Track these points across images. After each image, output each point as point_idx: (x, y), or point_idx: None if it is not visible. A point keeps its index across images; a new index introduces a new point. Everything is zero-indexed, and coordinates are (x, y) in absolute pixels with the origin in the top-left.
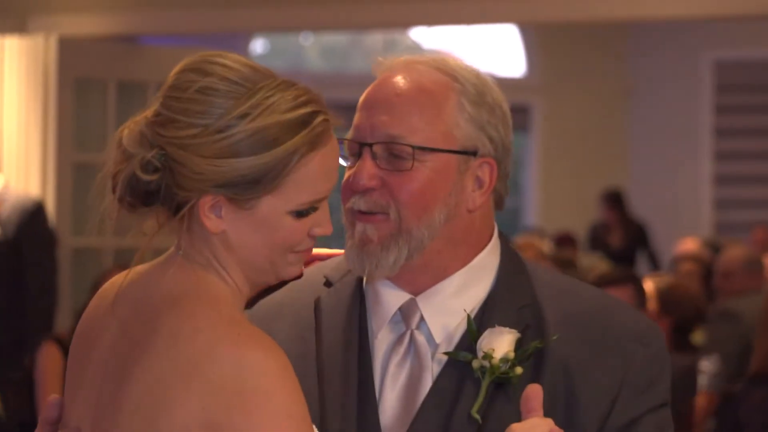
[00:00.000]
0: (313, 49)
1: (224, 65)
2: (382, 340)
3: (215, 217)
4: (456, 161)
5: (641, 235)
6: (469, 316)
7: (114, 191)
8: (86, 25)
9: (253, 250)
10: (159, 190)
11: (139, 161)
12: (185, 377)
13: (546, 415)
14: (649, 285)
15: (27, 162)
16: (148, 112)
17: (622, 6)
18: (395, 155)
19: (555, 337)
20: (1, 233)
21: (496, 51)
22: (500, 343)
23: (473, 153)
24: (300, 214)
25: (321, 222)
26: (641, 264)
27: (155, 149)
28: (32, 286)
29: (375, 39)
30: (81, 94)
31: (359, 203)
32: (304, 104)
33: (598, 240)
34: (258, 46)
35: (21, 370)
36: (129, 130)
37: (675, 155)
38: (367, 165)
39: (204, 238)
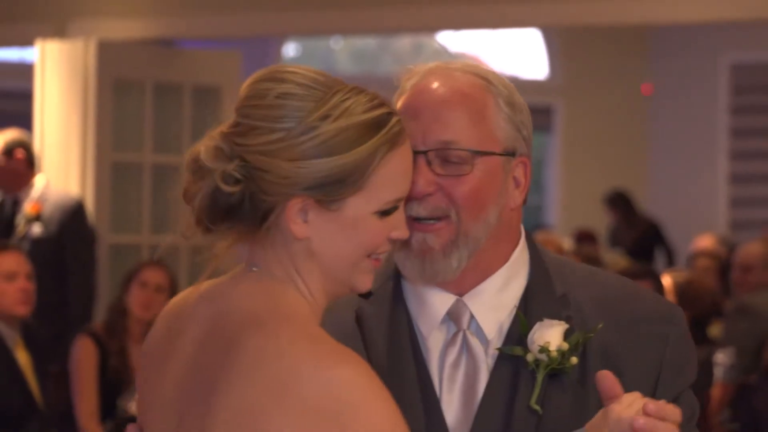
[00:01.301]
0: (343, 53)
1: (296, 72)
2: (434, 343)
3: (301, 221)
4: (501, 162)
5: (654, 232)
6: (520, 312)
7: (193, 213)
8: (124, 29)
9: (337, 255)
10: (241, 203)
11: (220, 174)
12: (275, 398)
13: (594, 400)
14: (667, 280)
15: (67, 162)
16: (222, 127)
17: (642, 10)
18: (449, 160)
19: (600, 326)
20: (43, 231)
21: (519, 54)
22: (551, 335)
23: (513, 153)
24: (384, 213)
25: (399, 224)
26: (658, 260)
27: (235, 160)
28: (73, 282)
29: (403, 42)
30: (119, 95)
31: (419, 210)
32: (379, 106)
33: (617, 237)
34: (290, 49)
35: (60, 362)
36: (205, 146)
37: (692, 155)
38: (423, 172)
39: (286, 249)
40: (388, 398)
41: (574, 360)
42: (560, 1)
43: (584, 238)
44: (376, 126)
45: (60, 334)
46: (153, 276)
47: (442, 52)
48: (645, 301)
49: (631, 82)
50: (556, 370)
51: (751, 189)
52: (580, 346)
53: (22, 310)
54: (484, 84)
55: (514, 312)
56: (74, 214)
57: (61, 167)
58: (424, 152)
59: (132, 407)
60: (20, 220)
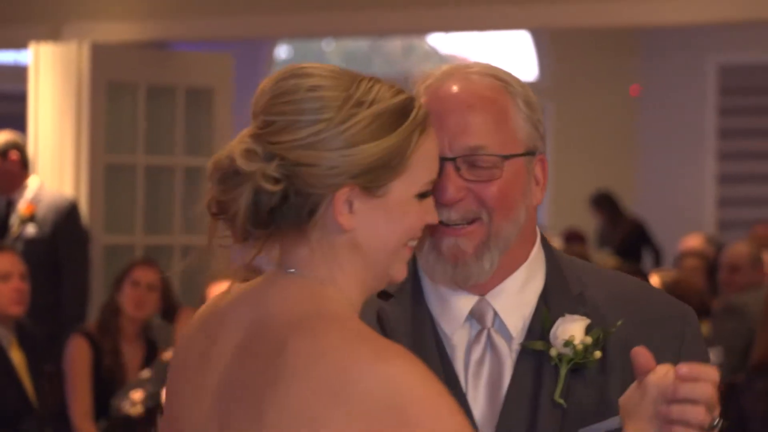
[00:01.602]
0: (334, 54)
1: (316, 67)
2: (458, 341)
3: (348, 212)
4: (524, 162)
5: (640, 232)
6: (545, 308)
7: (228, 222)
8: (117, 31)
9: (381, 243)
10: (284, 203)
11: (261, 175)
12: (333, 399)
13: (620, 393)
14: (655, 280)
15: (61, 163)
16: (248, 130)
17: (631, 12)
18: (477, 165)
19: (620, 323)
20: (37, 231)
21: (509, 55)
22: (574, 330)
23: (533, 152)
24: (423, 195)
25: (431, 209)
26: (645, 260)
27: (275, 160)
28: (66, 282)
29: (394, 44)
30: (113, 97)
31: (449, 215)
32: (401, 92)
33: (604, 238)
34: (282, 51)
35: (55, 362)
36: (237, 151)
37: (681, 155)
38: (453, 178)
39: (328, 245)
40: (443, 389)
41: (598, 354)
42: (550, 3)
43: (573, 238)
44: (406, 110)
45: (54, 334)
46: (144, 275)
47: (433, 54)
48: (659, 300)
49: (620, 84)
50: (578, 365)
51: (739, 189)
52: (602, 340)
53: (17, 310)
54: (503, 86)
55: (533, 309)
56: (68, 214)
57: (55, 168)
58: (453, 159)
59: (125, 406)
60: (14, 221)
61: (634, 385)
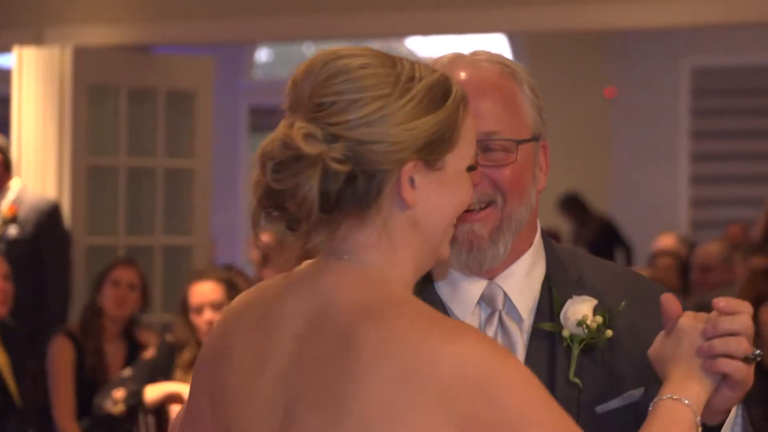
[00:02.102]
0: None
1: (354, 48)
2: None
3: (410, 188)
4: (532, 147)
5: (610, 230)
6: (554, 289)
7: (288, 210)
8: (99, 35)
9: (438, 218)
10: (349, 184)
11: (329, 157)
12: (411, 386)
13: (630, 370)
14: None
15: (44, 165)
16: (302, 115)
17: (607, 16)
18: (491, 149)
19: (624, 303)
20: (19, 232)
21: None
22: (584, 310)
23: (538, 138)
24: (470, 168)
25: (471, 183)
26: (618, 258)
27: (338, 141)
28: (48, 282)
29: (373, 47)
30: (95, 100)
31: None
32: (435, 69)
33: (577, 238)
34: (262, 54)
35: (37, 361)
36: (299, 136)
37: (654, 156)
38: None
39: (390, 226)
40: (519, 362)
41: (609, 333)
42: (526, 7)
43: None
44: (447, 84)
45: (36, 333)
46: (125, 274)
47: (411, 57)
48: (647, 282)
49: (595, 86)
50: (589, 345)
51: (712, 190)
52: (611, 320)
53: (0, 310)
54: (510, 72)
55: (539, 293)
56: (50, 216)
57: (38, 170)
58: None
59: (107, 405)
60: None
61: (662, 334)
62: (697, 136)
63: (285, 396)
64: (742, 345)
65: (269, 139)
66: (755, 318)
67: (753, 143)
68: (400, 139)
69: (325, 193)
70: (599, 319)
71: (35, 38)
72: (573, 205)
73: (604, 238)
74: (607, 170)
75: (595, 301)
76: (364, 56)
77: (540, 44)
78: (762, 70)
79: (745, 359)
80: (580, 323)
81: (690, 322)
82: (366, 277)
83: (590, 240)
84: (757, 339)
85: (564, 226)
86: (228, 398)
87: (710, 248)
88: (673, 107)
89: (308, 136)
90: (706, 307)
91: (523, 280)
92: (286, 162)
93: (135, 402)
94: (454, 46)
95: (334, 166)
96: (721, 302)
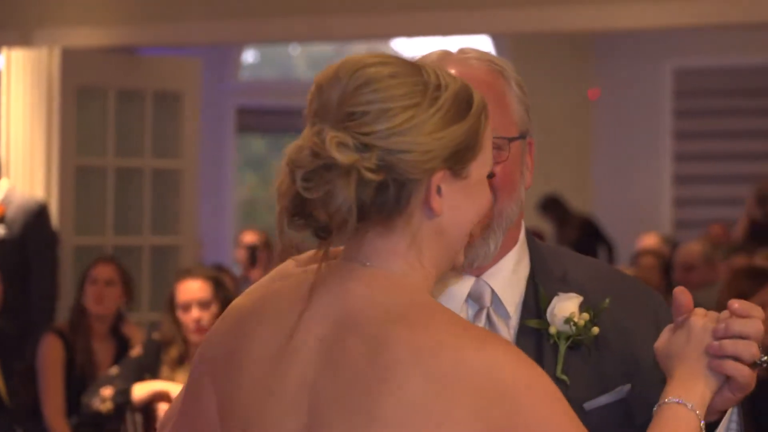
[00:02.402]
0: (300, 59)
1: (379, 55)
2: None
3: (438, 196)
4: (521, 144)
5: (592, 229)
6: (540, 286)
7: (316, 218)
8: (87, 37)
9: (460, 225)
10: (378, 193)
11: (364, 167)
12: (445, 392)
13: (616, 366)
14: None
15: (32, 165)
16: (330, 124)
17: (591, 18)
18: None
19: (608, 300)
20: (6, 232)
21: None
22: (571, 307)
23: (525, 136)
24: (490, 175)
25: (489, 190)
26: (601, 258)
27: (370, 150)
28: (36, 282)
29: (359, 48)
30: (82, 101)
31: None
32: (455, 77)
33: (560, 238)
34: (249, 56)
35: (25, 360)
36: (332, 144)
37: (637, 156)
38: None
39: (415, 234)
40: (542, 371)
41: (596, 330)
42: (511, 9)
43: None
44: (469, 93)
45: (23, 333)
46: (102, 271)
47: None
48: (630, 279)
49: (578, 87)
50: (576, 341)
51: (694, 189)
52: (596, 317)
53: None
54: (499, 70)
55: (524, 290)
56: (37, 216)
57: (26, 171)
58: None
59: (95, 403)
60: None
61: (669, 329)
62: (680, 137)
63: (309, 400)
64: (752, 349)
65: (296, 147)
66: None
67: (734, 143)
68: (430, 149)
69: (359, 202)
70: (586, 316)
71: (23, 40)
72: (553, 206)
73: (586, 238)
74: (589, 170)
75: (580, 298)
76: (392, 64)
77: (524, 45)
78: (743, 71)
79: (752, 364)
80: (568, 320)
81: (701, 320)
82: (395, 283)
83: (573, 240)
84: None
85: (545, 227)
86: (242, 401)
87: (692, 247)
88: (655, 108)
89: (341, 146)
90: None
91: (509, 277)
92: (317, 171)
93: (123, 400)
94: (438, 47)
95: (368, 175)
96: (735, 304)
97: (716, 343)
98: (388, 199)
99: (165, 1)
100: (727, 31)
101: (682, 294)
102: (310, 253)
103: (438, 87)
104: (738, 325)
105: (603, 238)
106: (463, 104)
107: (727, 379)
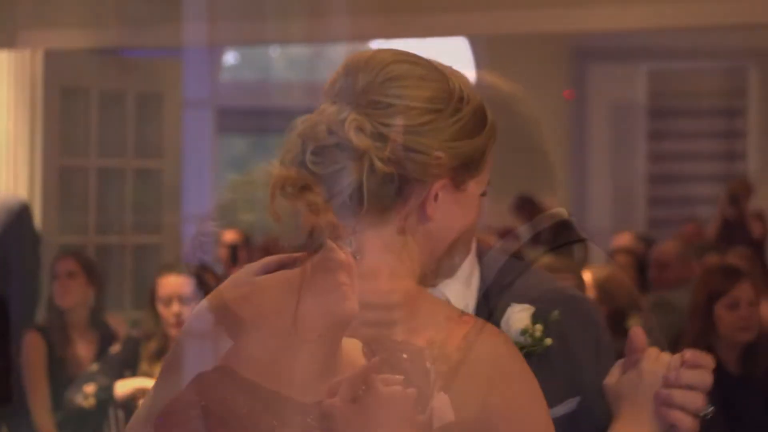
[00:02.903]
0: (280, 60)
1: (414, 55)
2: None
3: (434, 202)
4: None
5: (565, 228)
6: (490, 296)
7: (318, 196)
8: (70, 39)
9: (449, 235)
10: (382, 186)
11: (377, 156)
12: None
13: (565, 378)
14: (588, 276)
15: (16, 165)
16: (350, 107)
17: (568, 20)
18: None
19: (557, 312)
20: None
21: (447, 60)
22: (524, 319)
23: None
24: (483, 194)
25: (481, 209)
26: (576, 257)
27: (386, 141)
28: (16, 282)
29: (337, 51)
30: (66, 102)
31: None
32: (474, 91)
33: (535, 237)
34: (230, 57)
35: (5, 359)
36: (351, 126)
37: (612, 156)
38: None
39: (406, 234)
40: (528, 368)
41: (549, 341)
42: (487, 11)
43: (506, 235)
44: (485, 112)
45: (4, 333)
46: (63, 265)
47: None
48: (572, 291)
49: (554, 88)
50: (530, 352)
51: (668, 189)
52: (546, 328)
53: None
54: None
55: (476, 300)
56: (18, 215)
57: (9, 171)
58: None
59: (78, 399)
60: None
61: (620, 365)
62: (654, 136)
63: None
64: (698, 401)
65: (310, 121)
66: (710, 314)
67: (709, 143)
68: (441, 155)
69: (365, 188)
70: (540, 327)
71: (7, 42)
72: (525, 206)
73: (561, 238)
74: (566, 170)
75: (532, 309)
76: (423, 66)
77: (500, 46)
78: (718, 73)
79: (696, 415)
80: (524, 332)
81: (653, 366)
82: (386, 273)
83: (547, 240)
84: (712, 335)
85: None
86: (246, 403)
87: (667, 246)
88: (630, 108)
89: (359, 130)
90: (664, 304)
91: (463, 287)
92: (329, 148)
93: (106, 396)
94: (416, 49)
95: (379, 165)
96: (687, 353)
97: (666, 391)
98: (389, 192)
99: (147, 4)
100: (702, 33)
101: (636, 335)
102: (266, 260)
103: (461, 99)
104: (688, 377)
105: (578, 237)
106: (480, 121)
107: (671, 426)
